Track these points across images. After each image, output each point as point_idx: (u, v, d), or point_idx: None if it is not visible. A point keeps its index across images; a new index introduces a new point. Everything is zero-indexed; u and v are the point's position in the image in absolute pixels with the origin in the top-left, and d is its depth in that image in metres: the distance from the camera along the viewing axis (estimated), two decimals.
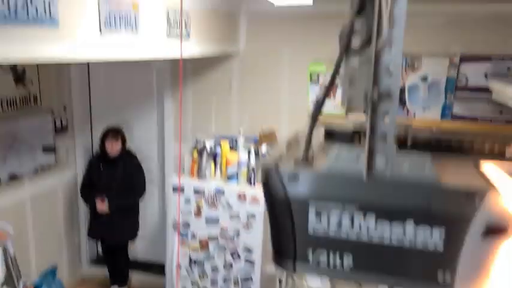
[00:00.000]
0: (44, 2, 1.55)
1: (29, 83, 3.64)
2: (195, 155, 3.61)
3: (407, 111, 3.40)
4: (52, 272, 3.74)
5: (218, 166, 3.59)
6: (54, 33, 1.64)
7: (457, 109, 3.31)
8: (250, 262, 3.49)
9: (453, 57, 3.27)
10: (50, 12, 1.59)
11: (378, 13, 0.67)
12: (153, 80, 4.30)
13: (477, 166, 0.93)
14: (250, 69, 3.88)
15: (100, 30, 1.93)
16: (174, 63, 4.03)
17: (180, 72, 3.88)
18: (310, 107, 3.61)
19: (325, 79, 3.56)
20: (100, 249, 4.53)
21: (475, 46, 3.23)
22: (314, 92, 3.63)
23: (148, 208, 4.44)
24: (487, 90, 3.08)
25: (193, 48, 2.93)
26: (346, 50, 0.71)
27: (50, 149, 3.93)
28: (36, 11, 1.54)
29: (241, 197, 3.43)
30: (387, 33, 0.66)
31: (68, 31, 1.71)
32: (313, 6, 3.14)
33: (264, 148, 3.55)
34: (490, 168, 0.90)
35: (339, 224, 0.81)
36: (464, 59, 3.24)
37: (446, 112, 3.34)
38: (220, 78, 3.98)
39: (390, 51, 0.68)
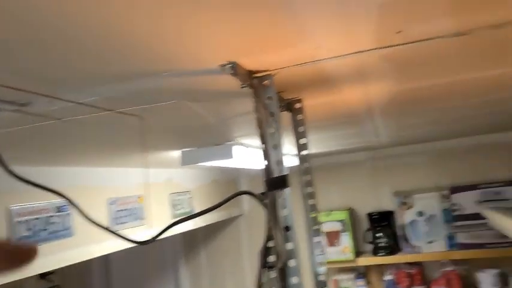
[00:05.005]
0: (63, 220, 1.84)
1: (53, 275, 3.84)
2: None
3: (414, 247, 3.46)
4: None
5: None
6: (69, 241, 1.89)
7: (462, 238, 3.37)
8: None
9: (443, 190, 3.45)
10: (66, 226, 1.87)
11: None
12: (168, 252, 4.48)
13: None
14: (256, 226, 4.07)
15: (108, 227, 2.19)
16: (184, 233, 4.25)
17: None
18: None
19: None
20: None
21: (463, 176, 3.45)
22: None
23: None
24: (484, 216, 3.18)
25: (198, 221, 3.17)
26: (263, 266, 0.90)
27: None
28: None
29: None
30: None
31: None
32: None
33: None
34: None
35: None
36: (454, 189, 3.41)
37: (452, 242, 3.39)
38: (231, 239, 4.15)
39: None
